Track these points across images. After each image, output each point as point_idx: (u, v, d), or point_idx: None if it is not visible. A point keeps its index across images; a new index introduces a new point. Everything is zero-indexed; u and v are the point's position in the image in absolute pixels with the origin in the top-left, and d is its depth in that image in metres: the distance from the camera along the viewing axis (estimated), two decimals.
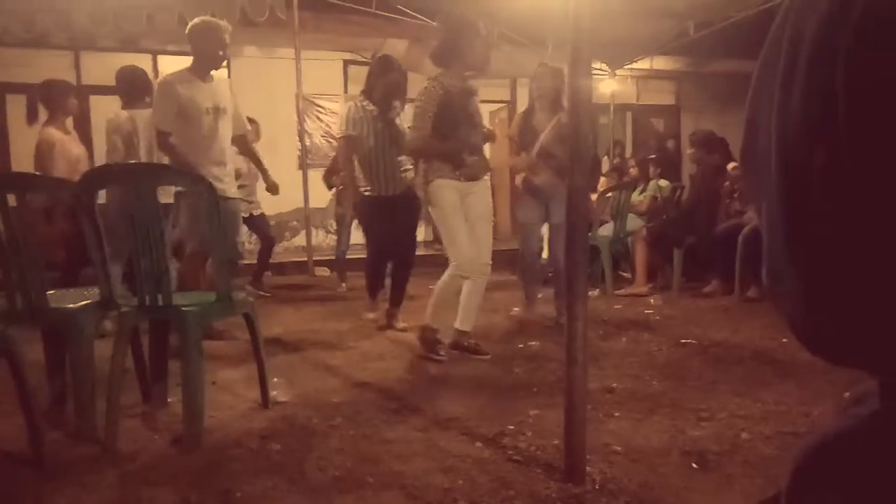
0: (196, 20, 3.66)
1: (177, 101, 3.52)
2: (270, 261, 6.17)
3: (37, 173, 3.89)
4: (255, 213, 5.85)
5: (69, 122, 4.38)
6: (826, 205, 0.29)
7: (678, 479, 2.04)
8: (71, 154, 4.15)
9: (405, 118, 4.18)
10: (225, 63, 7.92)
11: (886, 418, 0.31)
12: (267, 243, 5.99)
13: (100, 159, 5.90)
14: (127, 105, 4.17)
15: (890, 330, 0.28)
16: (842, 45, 0.27)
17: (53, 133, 4.13)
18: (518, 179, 4.42)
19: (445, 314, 3.52)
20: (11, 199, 2.46)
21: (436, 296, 3.54)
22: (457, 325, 3.53)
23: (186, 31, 3.64)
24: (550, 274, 4.57)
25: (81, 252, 2.72)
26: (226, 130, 3.72)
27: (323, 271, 7.15)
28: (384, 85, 4.04)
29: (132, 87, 4.20)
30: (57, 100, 4.19)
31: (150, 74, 4.83)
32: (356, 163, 4.11)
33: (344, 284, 5.88)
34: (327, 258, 7.35)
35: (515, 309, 4.52)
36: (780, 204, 0.31)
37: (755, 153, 0.34)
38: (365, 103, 4.10)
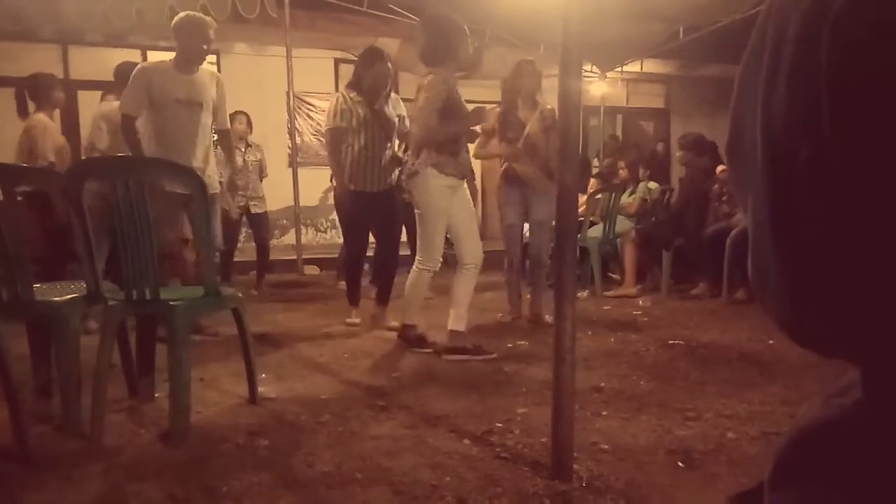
0: (181, 14, 3.67)
1: (147, 89, 3.54)
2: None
3: (24, 165, 3.88)
4: (255, 210, 5.74)
5: (56, 114, 4.42)
6: (812, 203, 0.29)
7: (664, 478, 2.05)
8: (56, 141, 4.17)
9: (395, 107, 4.17)
10: (215, 59, 7.91)
11: (869, 408, 0.32)
12: (261, 245, 5.91)
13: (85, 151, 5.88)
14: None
15: (874, 324, 0.29)
16: (823, 41, 0.27)
17: (44, 117, 4.17)
18: (501, 169, 4.40)
19: (419, 309, 3.63)
20: None
21: (408, 294, 3.59)
22: (450, 325, 3.48)
23: (171, 25, 3.65)
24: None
25: (64, 245, 2.69)
26: (201, 124, 3.69)
27: (312, 269, 7.12)
28: (372, 75, 4.04)
29: None
30: (44, 93, 4.21)
31: None
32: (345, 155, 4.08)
33: (342, 282, 5.85)
34: (317, 256, 7.32)
35: (500, 314, 4.54)
36: (766, 201, 0.31)
37: (741, 148, 0.34)
38: (352, 95, 4.08)
